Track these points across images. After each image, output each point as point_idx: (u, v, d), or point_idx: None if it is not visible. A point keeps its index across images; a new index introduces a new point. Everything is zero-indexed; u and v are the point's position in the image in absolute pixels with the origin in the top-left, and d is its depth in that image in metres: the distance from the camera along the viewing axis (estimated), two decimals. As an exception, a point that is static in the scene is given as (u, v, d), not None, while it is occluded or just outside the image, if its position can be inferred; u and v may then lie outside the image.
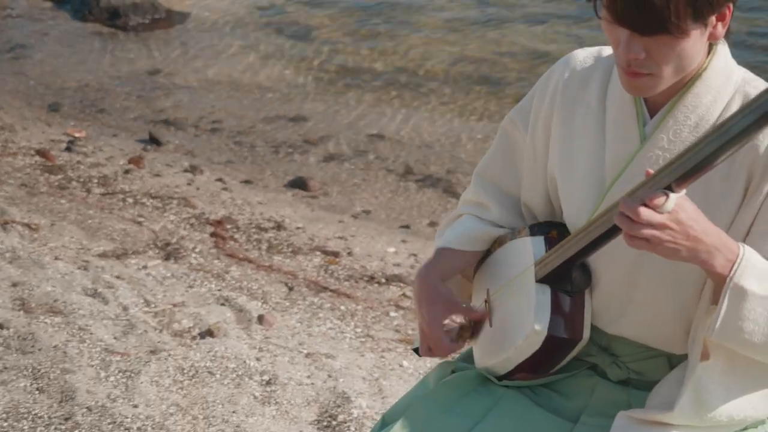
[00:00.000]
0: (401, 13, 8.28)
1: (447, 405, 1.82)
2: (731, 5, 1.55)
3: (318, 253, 4.30)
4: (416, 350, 1.97)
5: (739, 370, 1.62)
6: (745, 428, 1.68)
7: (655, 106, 1.69)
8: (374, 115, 6.15)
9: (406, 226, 4.73)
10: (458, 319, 1.92)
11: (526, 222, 1.91)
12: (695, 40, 1.55)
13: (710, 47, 1.63)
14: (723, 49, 1.66)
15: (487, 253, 1.94)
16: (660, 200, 1.47)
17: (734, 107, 1.63)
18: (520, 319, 1.77)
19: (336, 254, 4.30)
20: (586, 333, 1.75)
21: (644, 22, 1.50)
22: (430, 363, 3.35)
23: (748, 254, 1.57)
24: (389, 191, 5.12)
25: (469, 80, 6.76)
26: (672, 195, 1.49)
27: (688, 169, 1.47)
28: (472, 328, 1.89)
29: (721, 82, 1.66)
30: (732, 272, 1.55)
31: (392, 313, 3.75)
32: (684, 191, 1.51)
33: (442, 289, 1.86)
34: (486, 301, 1.90)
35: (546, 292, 1.74)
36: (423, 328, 1.86)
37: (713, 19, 1.54)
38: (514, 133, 1.90)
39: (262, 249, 4.31)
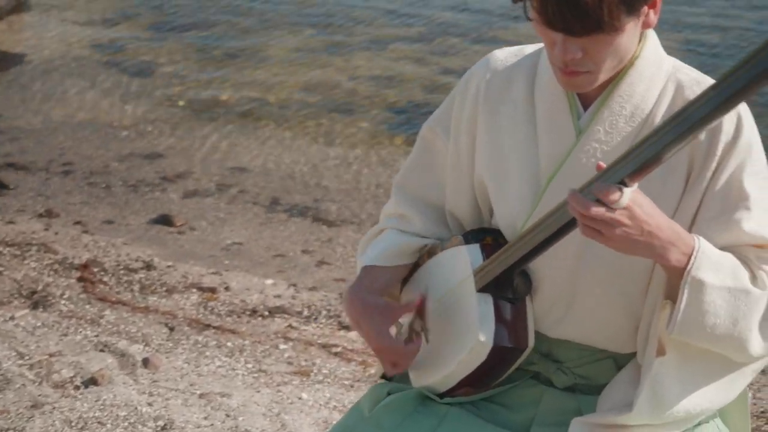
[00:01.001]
0: (246, 46, 8.20)
1: (389, 429, 1.74)
2: None
3: (194, 290, 4.16)
4: (384, 376, 1.89)
5: (694, 363, 1.61)
6: (699, 423, 1.68)
7: (587, 98, 1.66)
8: (232, 147, 6.04)
9: (281, 255, 4.64)
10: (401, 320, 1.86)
11: (451, 232, 1.86)
12: (630, 33, 1.54)
13: (641, 35, 1.61)
14: (652, 37, 1.64)
15: (415, 267, 1.88)
16: (615, 196, 1.44)
17: (668, 95, 1.63)
18: (461, 332, 1.72)
19: (213, 290, 4.17)
20: (531, 340, 1.71)
21: (578, 24, 1.47)
22: (329, 393, 3.28)
23: (704, 246, 1.56)
24: (258, 223, 5.02)
25: (322, 107, 6.75)
26: (626, 190, 1.46)
27: (642, 162, 1.44)
28: (421, 319, 1.82)
29: (653, 70, 1.64)
30: (689, 265, 1.53)
31: (282, 346, 3.65)
32: (637, 185, 1.48)
33: (374, 300, 1.78)
34: (419, 317, 1.84)
35: (488, 301, 1.68)
36: (373, 345, 1.77)
37: (646, 8, 1.53)
38: (435, 140, 1.85)
39: (135, 290, 4.13)
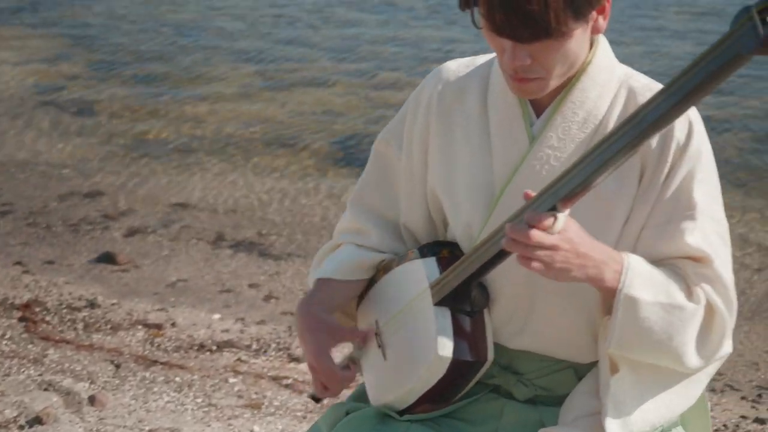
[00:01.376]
0: (185, 83, 8.19)
1: (350, 449, 1.72)
2: None
3: (140, 327, 4.08)
4: (313, 397, 1.86)
5: (648, 376, 1.62)
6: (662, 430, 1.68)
7: (540, 105, 1.65)
8: (173, 183, 5.98)
9: (227, 291, 4.58)
10: (346, 349, 1.84)
11: (407, 246, 1.84)
12: (579, 38, 1.53)
13: (592, 42, 1.61)
14: (604, 43, 1.64)
15: (370, 283, 1.85)
16: (549, 221, 1.45)
17: (620, 101, 1.63)
18: (420, 347, 1.69)
19: (159, 326, 4.10)
20: (491, 353, 1.69)
21: (525, 31, 1.46)
22: (281, 425, 3.23)
23: (633, 263, 1.57)
24: (203, 259, 4.96)
25: (263, 141, 6.74)
26: (560, 215, 1.47)
27: (572, 188, 1.45)
28: (362, 350, 1.79)
29: (605, 76, 1.63)
30: (621, 283, 1.54)
31: (231, 379, 3.59)
32: (569, 210, 1.49)
33: (325, 317, 1.76)
34: (377, 334, 1.82)
35: (446, 315, 1.66)
36: (310, 363, 1.75)
37: (594, 13, 1.52)
38: (388, 153, 1.84)
39: (79, 329, 4.04)
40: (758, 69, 7.58)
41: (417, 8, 11.66)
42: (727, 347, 1.64)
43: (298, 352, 3.87)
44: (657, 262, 1.62)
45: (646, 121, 1.38)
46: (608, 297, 1.57)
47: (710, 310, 1.61)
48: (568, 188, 1.45)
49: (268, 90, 8.01)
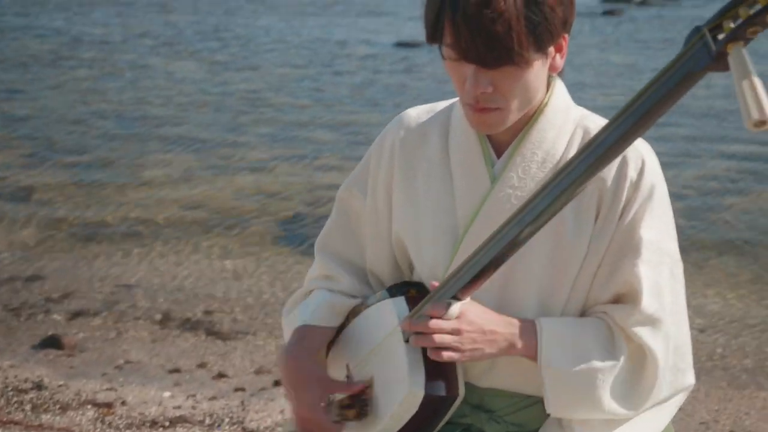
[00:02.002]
0: (122, 168, 8.23)
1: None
2: (566, 36, 1.59)
3: (89, 406, 4.03)
4: None
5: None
6: None
7: (500, 146, 1.70)
8: (117, 265, 5.96)
9: (176, 370, 4.55)
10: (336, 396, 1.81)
11: (374, 291, 1.87)
12: (538, 71, 1.58)
13: (549, 83, 1.68)
14: (560, 85, 1.71)
15: (339, 329, 1.88)
16: (442, 311, 1.58)
17: (576, 141, 1.69)
18: (392, 384, 1.71)
19: (109, 405, 4.05)
20: (462, 389, 1.72)
21: (490, 54, 1.51)
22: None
23: (547, 331, 1.65)
24: (150, 340, 4.92)
25: (206, 223, 6.78)
26: (455, 302, 1.58)
27: (470, 278, 1.56)
28: (356, 405, 1.77)
29: (562, 117, 1.69)
30: (540, 358, 1.64)
31: (187, 454, 3.56)
32: (469, 298, 1.61)
33: (315, 369, 1.78)
34: (347, 376, 1.83)
35: (417, 350, 1.68)
36: (302, 414, 1.75)
37: (552, 49, 1.59)
38: (352, 201, 1.89)
39: (27, 410, 3.97)
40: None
41: (343, 93, 11.88)
42: (686, 378, 1.72)
43: (252, 425, 3.87)
44: (597, 307, 1.70)
45: (579, 168, 1.43)
46: (533, 362, 1.67)
47: (641, 354, 1.66)
48: (466, 279, 1.56)
49: (206, 174, 8.07)
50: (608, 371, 1.64)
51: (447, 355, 1.58)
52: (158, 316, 5.20)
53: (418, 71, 13.70)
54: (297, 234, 6.55)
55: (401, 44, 16.48)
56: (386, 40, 17.22)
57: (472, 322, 1.59)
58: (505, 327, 1.63)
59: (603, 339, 1.67)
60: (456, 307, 1.58)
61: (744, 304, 5.34)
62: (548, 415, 1.74)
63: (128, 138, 9.35)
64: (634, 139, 1.41)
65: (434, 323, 1.57)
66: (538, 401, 1.75)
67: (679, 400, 1.74)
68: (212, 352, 4.79)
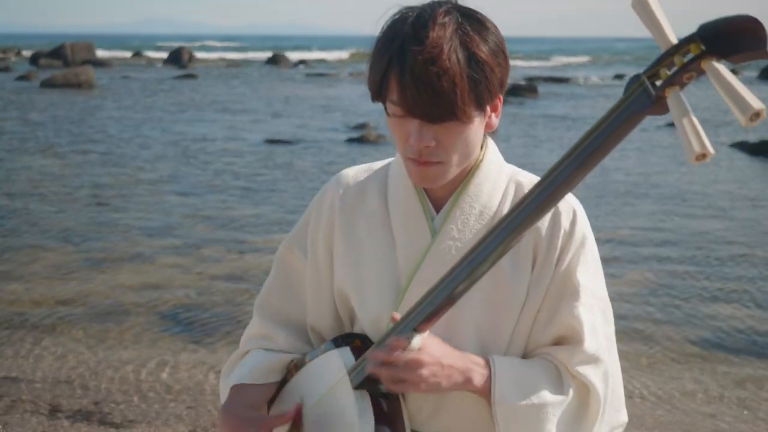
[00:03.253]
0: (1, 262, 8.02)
1: None
2: (501, 97, 1.67)
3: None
4: None
5: None
6: None
7: (438, 201, 1.77)
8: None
9: (70, 461, 4.43)
10: None
11: (314, 347, 1.90)
12: (477, 127, 1.65)
13: (483, 141, 1.75)
14: (492, 145, 1.79)
15: (281, 385, 1.90)
16: (405, 342, 1.61)
17: (510, 194, 1.77)
18: (342, 431, 1.73)
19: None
20: None
21: (435, 109, 1.57)
22: None
23: (499, 368, 1.70)
24: (41, 431, 4.77)
25: (88, 315, 6.70)
26: (416, 334, 1.61)
27: (428, 312, 1.59)
28: (298, 427, 1.81)
29: (496, 172, 1.77)
30: (493, 394, 1.68)
31: None
32: (428, 331, 1.63)
33: (248, 413, 1.81)
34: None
35: (365, 397, 1.71)
36: None
37: (489, 109, 1.66)
38: (292, 260, 1.92)
39: None
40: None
41: (230, 189, 11.95)
42: (620, 416, 1.80)
43: None
44: (540, 348, 1.77)
45: (525, 212, 1.49)
46: (486, 400, 1.70)
47: (585, 390, 1.74)
48: (424, 313, 1.60)
49: (88, 269, 7.95)
50: (558, 406, 1.69)
51: (406, 386, 1.60)
52: (46, 408, 5.07)
53: (288, 167, 13.90)
54: (184, 324, 6.53)
55: (269, 141, 16.73)
56: (255, 137, 17.39)
57: (431, 354, 1.61)
58: (462, 362, 1.65)
59: (552, 376, 1.72)
60: (418, 339, 1.60)
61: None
62: None
63: (7, 231, 9.16)
64: (580, 179, 1.46)
65: (396, 355, 1.59)
66: None
67: None
68: (107, 439, 4.69)
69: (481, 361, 1.69)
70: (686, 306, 7.08)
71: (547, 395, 1.70)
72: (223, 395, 1.97)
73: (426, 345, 1.62)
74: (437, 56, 1.55)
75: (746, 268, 8.18)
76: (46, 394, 5.23)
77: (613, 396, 1.78)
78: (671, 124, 17.16)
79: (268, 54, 58.92)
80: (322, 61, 59.96)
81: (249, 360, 1.92)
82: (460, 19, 1.60)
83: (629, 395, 5.15)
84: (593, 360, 1.73)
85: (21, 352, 5.92)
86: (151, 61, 55.56)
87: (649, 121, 18.63)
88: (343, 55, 70.13)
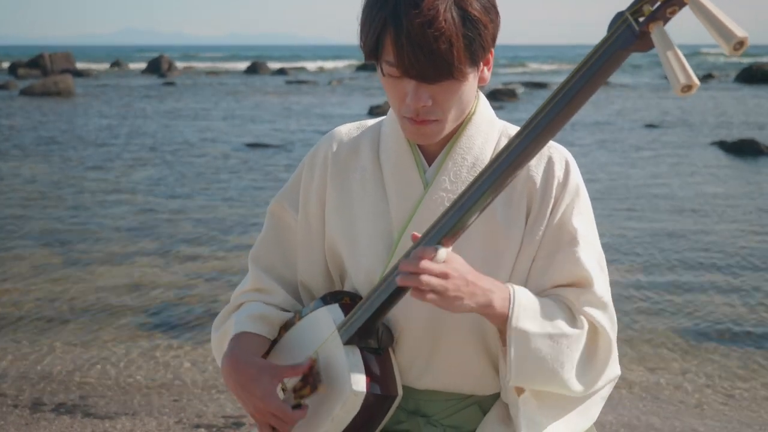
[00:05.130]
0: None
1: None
2: (492, 51, 1.69)
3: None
4: None
5: (550, 397, 1.73)
6: None
7: (430, 154, 1.78)
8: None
9: (55, 453, 4.40)
10: (288, 383, 1.80)
11: (305, 304, 1.89)
12: (471, 83, 1.67)
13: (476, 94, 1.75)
14: (483, 99, 1.81)
15: (273, 343, 1.87)
16: (433, 253, 1.56)
17: (501, 147, 1.70)
18: (333, 386, 1.72)
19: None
20: (400, 388, 1.76)
21: (432, 70, 1.58)
22: None
23: (519, 294, 1.66)
24: (23, 424, 4.75)
25: (70, 314, 6.66)
26: (441, 248, 1.58)
27: (452, 226, 1.57)
28: (308, 382, 1.76)
29: (488, 125, 1.78)
30: (510, 317, 1.63)
31: None
32: (451, 247, 1.60)
33: (260, 362, 1.74)
34: (283, 389, 1.79)
35: (356, 352, 1.71)
36: (259, 407, 1.70)
37: (482, 63, 1.68)
38: (283, 215, 1.92)
39: None
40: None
41: (209, 191, 11.95)
42: (615, 369, 1.77)
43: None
44: (545, 291, 1.75)
45: (528, 138, 1.50)
46: (500, 328, 1.68)
47: (594, 331, 1.72)
48: (448, 227, 1.57)
49: (68, 268, 7.92)
50: (574, 339, 1.67)
51: (431, 297, 1.55)
52: (29, 402, 5.04)
53: (265, 169, 13.90)
54: (167, 322, 6.51)
55: (248, 144, 16.73)
56: (233, 141, 17.37)
57: (457, 269, 1.57)
58: (485, 281, 1.62)
59: (566, 311, 1.72)
60: (444, 252, 1.57)
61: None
62: (483, 414, 1.81)
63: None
64: (568, 119, 1.49)
65: (424, 263, 1.53)
66: (474, 402, 1.82)
67: (606, 392, 1.81)
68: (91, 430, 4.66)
69: (502, 285, 1.66)
70: (666, 300, 7.12)
71: (564, 325, 1.68)
72: (216, 349, 1.95)
73: (451, 259, 1.59)
74: (434, 18, 1.55)
75: (723, 260, 8.24)
76: (30, 389, 5.20)
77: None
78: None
79: (248, 63, 58.88)
80: (302, 69, 59.97)
81: (246, 310, 1.88)
82: None
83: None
84: (602, 304, 1.73)
85: (2, 349, 5.88)
86: (131, 71, 55.38)
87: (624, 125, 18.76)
88: (324, 64, 70.22)
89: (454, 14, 1.57)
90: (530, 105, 25.93)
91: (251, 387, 1.71)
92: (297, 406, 1.76)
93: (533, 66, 65.28)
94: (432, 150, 1.78)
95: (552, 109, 1.48)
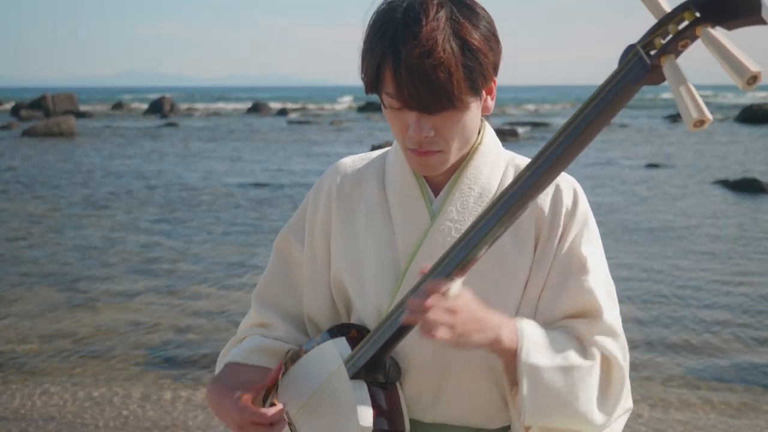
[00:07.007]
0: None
1: None
2: (495, 80, 1.66)
3: None
4: None
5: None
6: None
7: (436, 185, 1.76)
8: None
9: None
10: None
11: (311, 338, 1.88)
12: (474, 113, 1.65)
13: (480, 124, 1.74)
14: (490, 129, 1.80)
15: (280, 378, 1.84)
16: (445, 287, 1.52)
17: (509, 177, 1.76)
18: (340, 421, 1.70)
19: None
20: (407, 423, 1.73)
21: (432, 101, 1.57)
22: None
23: (526, 328, 1.64)
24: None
25: (73, 353, 6.63)
26: (455, 282, 1.54)
27: (460, 260, 1.54)
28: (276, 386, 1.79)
29: (495, 154, 1.77)
30: (519, 352, 1.60)
31: None
32: (462, 279, 1.56)
33: (235, 381, 1.78)
34: (289, 424, 1.79)
35: (363, 387, 1.69)
36: (235, 420, 1.71)
37: (484, 93, 1.65)
38: (289, 249, 1.91)
39: None
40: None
41: (210, 230, 11.95)
42: (628, 401, 1.74)
43: None
44: (555, 322, 1.72)
45: (536, 174, 1.47)
46: (510, 365, 1.64)
47: (607, 362, 1.68)
48: (459, 259, 1.54)
49: (72, 308, 7.91)
50: (586, 370, 1.64)
51: (440, 334, 1.51)
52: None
53: (266, 209, 13.91)
54: (171, 360, 6.49)
55: (249, 184, 16.76)
56: (234, 181, 17.40)
57: (466, 305, 1.54)
58: (493, 317, 1.59)
59: (576, 343, 1.68)
60: (456, 287, 1.53)
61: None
62: None
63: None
64: (578, 152, 1.47)
65: (431, 300, 1.50)
66: None
67: (618, 426, 1.77)
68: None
69: (509, 320, 1.63)
70: (672, 334, 7.08)
71: (575, 357, 1.65)
72: None
73: (461, 296, 1.55)
74: (432, 49, 1.54)
75: (733, 298, 8.21)
76: (35, 430, 5.16)
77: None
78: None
79: (249, 104, 59.08)
80: (303, 109, 60.21)
81: (246, 343, 1.90)
82: (450, 7, 1.60)
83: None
84: (612, 333, 1.70)
85: (7, 390, 5.85)
86: (133, 112, 55.61)
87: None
88: (325, 104, 70.51)
89: (453, 44, 1.56)
90: (533, 143, 25.99)
91: (226, 403, 1.73)
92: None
93: (531, 107, 65.41)
94: (438, 180, 1.77)
95: (562, 143, 1.46)
